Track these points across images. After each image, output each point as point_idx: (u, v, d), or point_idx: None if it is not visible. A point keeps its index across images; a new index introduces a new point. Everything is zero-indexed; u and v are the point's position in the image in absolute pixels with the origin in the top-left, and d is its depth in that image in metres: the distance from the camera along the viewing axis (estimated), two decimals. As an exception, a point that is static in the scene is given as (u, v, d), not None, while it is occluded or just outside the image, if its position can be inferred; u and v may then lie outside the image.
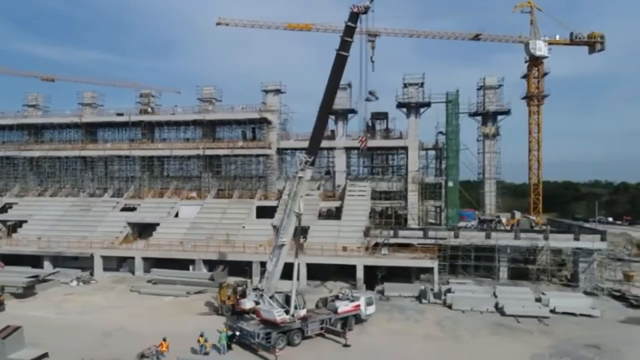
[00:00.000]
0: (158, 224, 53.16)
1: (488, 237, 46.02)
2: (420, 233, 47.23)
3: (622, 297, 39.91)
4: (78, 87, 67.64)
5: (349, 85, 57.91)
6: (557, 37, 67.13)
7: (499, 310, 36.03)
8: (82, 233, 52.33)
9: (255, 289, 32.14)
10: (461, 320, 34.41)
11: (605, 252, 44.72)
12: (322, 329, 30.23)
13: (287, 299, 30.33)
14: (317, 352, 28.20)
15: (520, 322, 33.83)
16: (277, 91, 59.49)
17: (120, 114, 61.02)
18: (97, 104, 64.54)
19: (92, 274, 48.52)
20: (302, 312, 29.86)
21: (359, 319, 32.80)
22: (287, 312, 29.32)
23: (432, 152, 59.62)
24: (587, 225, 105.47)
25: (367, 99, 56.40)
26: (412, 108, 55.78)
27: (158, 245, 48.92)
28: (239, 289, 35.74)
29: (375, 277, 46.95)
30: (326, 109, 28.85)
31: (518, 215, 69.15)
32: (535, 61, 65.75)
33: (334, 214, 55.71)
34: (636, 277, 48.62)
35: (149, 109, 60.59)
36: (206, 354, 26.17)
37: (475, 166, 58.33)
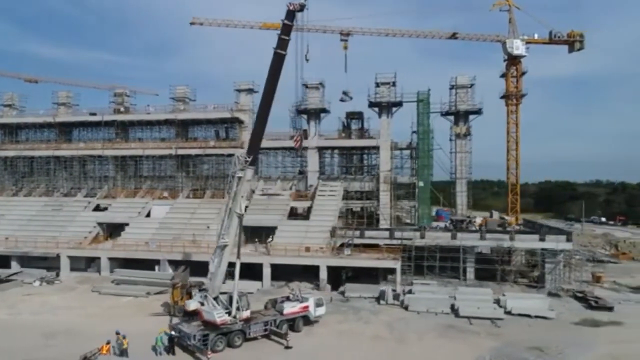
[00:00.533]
0: (127, 224, 53.01)
1: (454, 237, 45.66)
2: (387, 233, 46.92)
3: (584, 299, 39.46)
4: (61, 88, 67.32)
5: (321, 84, 57.71)
6: (536, 36, 66.55)
7: (455, 311, 35.68)
8: (51, 233, 52.20)
9: (201, 290, 31.85)
10: (413, 321, 34.07)
11: (571, 253, 44.15)
12: (266, 330, 29.95)
13: (242, 300, 30.07)
14: (256, 353, 27.93)
15: (472, 323, 33.49)
16: (250, 90, 59.21)
17: (94, 114, 60.84)
18: (72, 104, 64.42)
19: (58, 275, 48.43)
20: (245, 314, 29.60)
21: (308, 321, 32.50)
22: (229, 313, 29.08)
23: (407, 152, 59.03)
24: (576, 225, 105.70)
25: (342, 99, 56.56)
26: (384, 107, 55.39)
27: (124, 246, 48.74)
28: (192, 289, 35.47)
29: (341, 277, 46.81)
30: (266, 108, 28.49)
31: (496, 215, 68.89)
32: (513, 60, 65.27)
33: (307, 214, 55.43)
34: (605, 278, 48.25)
35: (122, 109, 60.35)
36: (122, 353, 25.69)
37: (449, 166, 57.91)
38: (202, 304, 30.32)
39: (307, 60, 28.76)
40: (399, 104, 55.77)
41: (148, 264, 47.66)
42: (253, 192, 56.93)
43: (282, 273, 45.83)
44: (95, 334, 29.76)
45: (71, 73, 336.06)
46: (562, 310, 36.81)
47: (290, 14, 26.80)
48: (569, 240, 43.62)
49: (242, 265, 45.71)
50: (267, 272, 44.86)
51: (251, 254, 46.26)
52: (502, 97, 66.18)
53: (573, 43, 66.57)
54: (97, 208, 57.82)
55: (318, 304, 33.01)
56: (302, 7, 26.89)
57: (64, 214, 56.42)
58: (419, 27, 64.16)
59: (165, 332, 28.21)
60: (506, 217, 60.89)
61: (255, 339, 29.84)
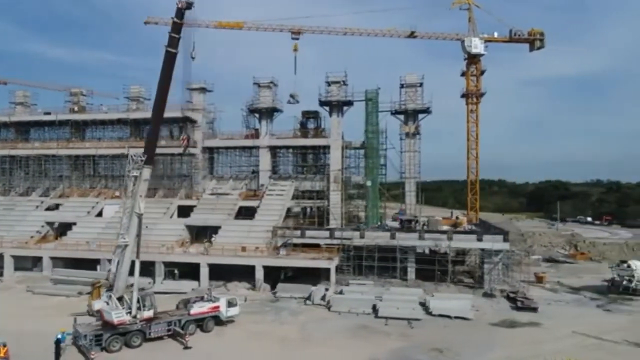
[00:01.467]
0: (75, 224, 52.99)
1: (392, 237, 45.33)
2: (327, 233, 46.63)
3: (515, 299, 39.06)
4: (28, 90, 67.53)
5: (273, 83, 57.49)
6: (496, 35, 66.15)
7: (375, 312, 35.39)
8: (-1, 232, 52.25)
9: (108, 290, 31.64)
10: (330, 322, 33.83)
11: (509, 254, 43.72)
12: (169, 330, 29.75)
13: (140, 300, 29.84)
14: (153, 354, 27.75)
15: (388, 324, 33.20)
16: (203, 89, 59.07)
17: (48, 113, 60.88)
18: (30, 104, 64.52)
19: (2, 274, 48.44)
20: (147, 314, 29.38)
21: (219, 321, 32.29)
22: (130, 313, 28.90)
23: (362, 152, 58.61)
24: (558, 225, 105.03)
25: (289, 102, 56.54)
26: (335, 106, 55.11)
27: (67, 245, 48.73)
28: (100, 287, 35.31)
29: (286, 277, 46.59)
30: (160, 106, 28.33)
31: (461, 215, 68.49)
32: (473, 59, 64.90)
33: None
34: (548, 279, 47.87)
35: (76, 108, 60.33)
36: None
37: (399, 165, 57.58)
38: (108, 304, 30.15)
39: (192, 58, 28.54)
40: (349, 103, 55.50)
41: (92, 264, 47.63)
42: (204, 191, 56.94)
43: (225, 273, 45.71)
44: (5, 334, 29.61)
45: (76, 74, 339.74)
46: (488, 311, 36.54)
47: (179, 12, 26.66)
48: (505, 240, 43.16)
49: (185, 265, 46.36)
50: (204, 271, 44.69)
51: (190, 254, 46.19)
52: (462, 96, 65.95)
53: (533, 41, 66.17)
54: (50, 207, 57.81)
55: (231, 304, 32.80)
56: (189, 5, 26.72)
57: (15, 213, 56.47)
58: (378, 26, 63.18)
59: (67, 333, 28.05)
60: (460, 217, 60.60)
61: (160, 338, 29.68)
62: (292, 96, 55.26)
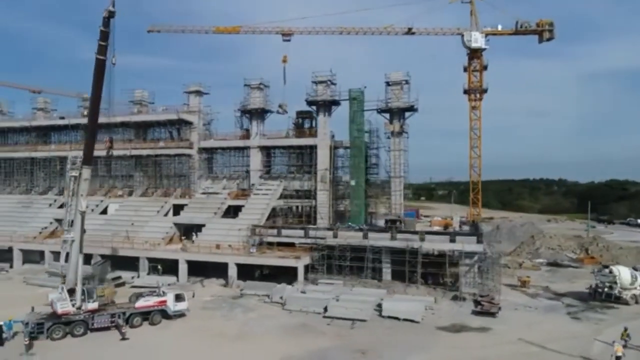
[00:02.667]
0: (78, 220, 56.65)
1: (365, 237, 44.87)
2: (302, 232, 46.91)
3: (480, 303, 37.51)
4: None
5: (263, 85, 58.46)
6: (500, 27, 63.64)
7: (325, 311, 35.35)
8: (13, 227, 56.97)
9: (62, 282, 33.78)
10: (275, 319, 34.20)
11: (482, 256, 41.87)
12: (112, 322, 31.37)
13: (85, 292, 31.75)
14: (90, 343, 29.36)
15: (330, 324, 33.12)
16: (199, 92, 61.14)
17: (62, 118, 65.55)
18: (50, 109, 69.70)
19: (11, 266, 52.85)
20: (91, 306, 31.21)
21: (167, 315, 33.60)
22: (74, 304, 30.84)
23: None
24: (599, 227, 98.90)
25: (277, 112, 57.41)
26: (322, 106, 55.20)
27: (54, 240, 52.36)
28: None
29: (263, 275, 47.55)
30: (94, 111, 29.95)
31: (459, 216, 66.41)
32: (474, 53, 62.82)
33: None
34: (532, 283, 45.51)
35: (85, 112, 64.46)
36: None
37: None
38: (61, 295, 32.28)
39: (113, 64, 29.75)
40: (336, 103, 55.38)
41: (87, 258, 50.80)
42: (188, 190, 59.09)
43: (203, 269, 47.31)
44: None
45: (139, 80, 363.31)
46: (444, 315, 35.44)
47: (105, 21, 28.13)
48: (479, 242, 41.46)
49: (169, 261, 48.27)
50: (183, 267, 46.51)
51: (170, 250, 48.17)
52: (464, 92, 63.95)
53: (542, 32, 62.98)
54: (62, 205, 62.09)
55: (178, 299, 34.04)
56: (111, 14, 28.11)
57: (30, 210, 61.35)
58: (374, 24, 62.41)
59: (15, 320, 30.36)
60: (461, 218, 58.74)
61: (107, 329, 31.37)
62: (280, 106, 56.15)
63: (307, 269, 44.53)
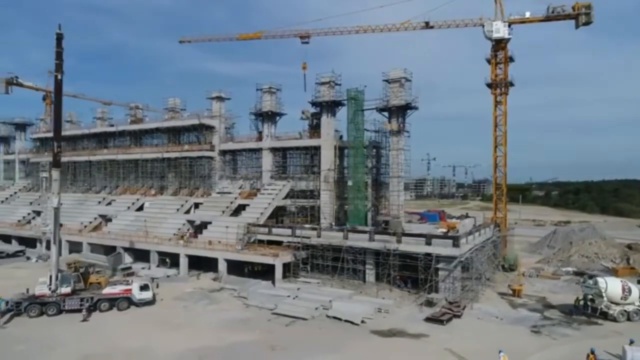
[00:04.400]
0: (115, 217, 63.82)
1: (345, 237, 44.73)
2: (289, 231, 48.04)
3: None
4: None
5: (273, 88, 60.53)
6: (528, 14, 58.58)
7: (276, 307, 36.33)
8: (65, 221, 65.62)
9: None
10: (226, 313, 36.05)
11: (459, 260, 39.42)
12: (81, 305, 35.49)
13: (61, 278, 36.35)
14: (56, 320, 33.80)
15: (270, 320, 34.12)
16: (220, 98, 65.06)
17: (112, 125, 73.93)
18: (107, 117, 78.84)
19: (60, 254, 61.12)
20: (65, 290, 35.70)
21: (132, 302, 37.06)
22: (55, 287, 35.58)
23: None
24: None
25: (301, 118, 59.20)
26: (325, 107, 55.71)
27: (99, 234, 59.34)
28: (81, 269, 42.93)
29: (255, 272, 49.67)
30: (57, 121, 34.03)
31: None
32: (498, 44, 58.70)
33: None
34: (536, 292, 41.87)
35: (129, 120, 72.00)
36: None
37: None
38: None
39: (60, 80, 33.14)
40: (339, 104, 55.52)
41: (111, 250, 57.07)
42: (209, 190, 63.02)
43: (204, 263, 50.65)
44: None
45: (240, 85, 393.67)
46: (394, 319, 34.42)
47: (57, 40, 32.04)
48: (455, 246, 39.17)
49: (174, 254, 52.50)
50: (183, 261, 50.24)
51: (173, 245, 52.26)
52: (487, 85, 60.03)
53: (578, 17, 56.82)
54: (110, 203, 70.20)
55: (142, 288, 37.35)
56: (61, 35, 31.88)
57: (83, 207, 70.15)
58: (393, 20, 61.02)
59: (2, 299, 35.69)
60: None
61: (79, 311, 35.52)
62: (303, 112, 57.73)
63: (289, 267, 45.66)
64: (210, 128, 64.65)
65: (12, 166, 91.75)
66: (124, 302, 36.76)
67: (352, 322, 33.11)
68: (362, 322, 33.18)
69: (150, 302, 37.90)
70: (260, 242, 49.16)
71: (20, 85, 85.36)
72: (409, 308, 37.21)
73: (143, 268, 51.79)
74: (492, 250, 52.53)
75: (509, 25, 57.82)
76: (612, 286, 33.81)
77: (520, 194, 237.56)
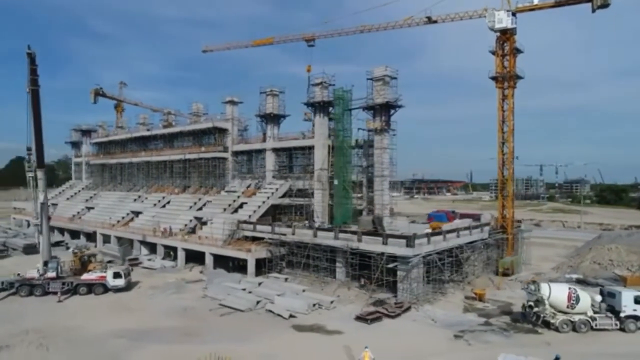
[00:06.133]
0: (142, 213, 70.39)
1: (315, 235, 45.54)
2: (269, 228, 49.92)
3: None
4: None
5: (275, 90, 62.77)
6: (536, 1, 54.59)
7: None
8: (104, 217, 73.85)
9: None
10: (180, 302, 38.80)
11: (416, 260, 38.38)
12: (62, 289, 40.52)
13: (47, 264, 41.78)
14: (38, 301, 38.85)
15: (212, 310, 36.33)
16: (233, 102, 68.76)
17: (149, 130, 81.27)
18: (148, 123, 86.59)
19: (95, 246, 69.04)
20: (50, 274, 41.01)
21: (107, 288, 41.43)
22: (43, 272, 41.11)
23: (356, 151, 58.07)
24: None
25: (304, 119, 61.20)
26: (318, 107, 56.73)
27: (125, 228, 66.01)
28: (84, 257, 48.70)
29: (240, 266, 52.19)
30: (38, 130, 38.99)
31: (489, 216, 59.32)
32: (504, 35, 55.59)
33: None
34: (499, 297, 39.55)
35: (160, 125, 78.58)
36: None
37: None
38: (44, 265, 43.10)
39: (27, 92, 37.63)
40: (331, 104, 56.15)
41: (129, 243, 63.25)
42: (222, 189, 66.79)
43: (201, 257, 54.43)
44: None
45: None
46: (324, 315, 34.92)
47: (31, 58, 36.93)
48: (409, 246, 38.30)
49: (174, 248, 56.95)
50: (181, 254, 54.40)
51: (172, 239, 56.65)
52: (491, 78, 57.05)
53: (592, -1, 51.88)
54: (143, 201, 77.27)
55: (116, 276, 41.57)
56: (30, 55, 36.68)
57: (121, 204, 78.00)
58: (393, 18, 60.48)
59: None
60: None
61: (64, 293, 40.63)
62: (305, 114, 59.47)
63: (265, 263, 47.60)
64: (223, 130, 68.63)
65: (81, 168, 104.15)
66: (100, 287, 41.24)
67: (281, 316, 34.26)
68: (291, 316, 34.17)
69: (124, 288, 42.03)
70: (248, 238, 51.71)
71: (104, 95, 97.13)
72: (353, 306, 37.19)
73: (149, 260, 56.79)
74: (485, 252, 50.06)
75: (514, 15, 54.46)
76: (556, 293, 31.16)
77: (616, 195, 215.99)
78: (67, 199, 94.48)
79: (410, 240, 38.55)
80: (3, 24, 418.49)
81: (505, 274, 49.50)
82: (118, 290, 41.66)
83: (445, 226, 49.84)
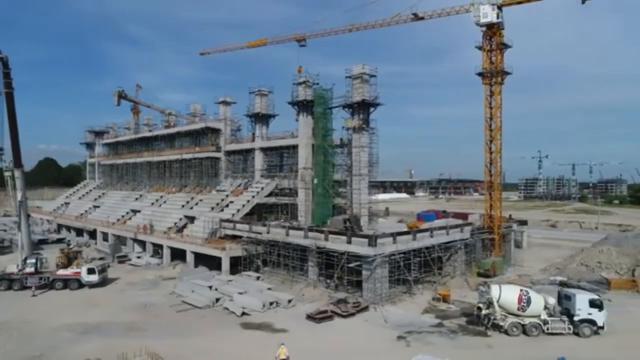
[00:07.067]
0: (140, 211, 72.22)
1: (287, 234, 45.60)
2: (247, 227, 50.30)
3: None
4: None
5: (264, 91, 63.20)
6: (523, -7, 52.89)
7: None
8: (106, 215, 76.18)
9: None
10: (145, 297, 39.68)
11: (380, 260, 37.83)
12: (40, 283, 42.07)
13: (25, 260, 43.50)
14: (16, 294, 40.53)
15: (172, 306, 36.87)
16: (226, 102, 69.65)
17: (150, 130, 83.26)
18: (152, 124, 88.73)
19: (96, 243, 71.31)
20: (29, 270, 42.63)
21: (82, 284, 42.74)
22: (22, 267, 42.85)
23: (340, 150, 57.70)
24: None
25: (296, 119, 61.21)
26: (301, 106, 56.73)
27: (119, 225, 67.91)
28: (71, 254, 50.47)
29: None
30: (14, 130, 40.56)
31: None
32: (490, 30, 54.20)
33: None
34: (458, 297, 38.53)
35: (161, 125, 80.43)
36: None
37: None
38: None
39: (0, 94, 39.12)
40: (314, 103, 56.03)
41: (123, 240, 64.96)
42: (215, 188, 67.70)
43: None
44: None
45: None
46: (279, 314, 34.98)
47: (3, 62, 38.52)
48: (371, 245, 37.81)
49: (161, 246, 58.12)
50: (166, 252, 55.51)
51: (157, 237, 57.89)
52: (477, 74, 55.67)
53: (580, -10, 49.96)
54: (142, 200, 79.23)
55: (90, 272, 42.81)
56: (2, 59, 38.23)
57: (123, 202, 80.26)
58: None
59: None
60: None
61: (41, 287, 42.15)
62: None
63: (240, 261, 48.01)
64: (217, 131, 69.61)
65: (95, 168, 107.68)
66: (75, 282, 42.60)
67: (235, 314, 34.53)
68: (244, 314, 34.43)
69: (99, 284, 43.26)
70: (229, 236, 52.30)
71: (126, 98, 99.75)
72: (313, 305, 36.99)
73: (138, 257, 58.19)
74: (466, 253, 48.81)
75: (500, 8, 52.97)
76: (506, 295, 30.14)
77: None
78: (79, 198, 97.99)
79: (372, 239, 38.07)
80: (47, 30, 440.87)
81: (486, 275, 48.09)
82: (93, 285, 42.92)
83: (424, 226, 49.05)
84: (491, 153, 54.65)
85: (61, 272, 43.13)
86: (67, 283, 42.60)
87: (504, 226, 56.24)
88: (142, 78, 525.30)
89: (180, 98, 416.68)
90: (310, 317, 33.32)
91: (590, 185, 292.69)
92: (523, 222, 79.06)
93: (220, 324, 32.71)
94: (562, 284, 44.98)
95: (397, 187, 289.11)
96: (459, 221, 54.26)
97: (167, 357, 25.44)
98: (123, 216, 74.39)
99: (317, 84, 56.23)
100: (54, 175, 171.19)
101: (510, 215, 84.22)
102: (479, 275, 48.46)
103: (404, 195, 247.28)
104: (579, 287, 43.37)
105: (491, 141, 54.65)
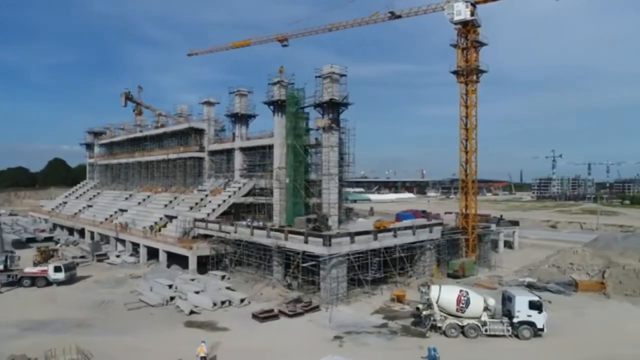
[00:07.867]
0: (126, 211, 73.28)
1: (252, 234, 45.77)
2: (217, 227, 50.62)
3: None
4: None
5: (244, 91, 63.47)
6: (498, -10, 52.11)
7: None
8: (97, 213, 77.50)
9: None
10: (107, 295, 40.30)
11: (335, 260, 37.68)
12: (7, 280, 43.02)
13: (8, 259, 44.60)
14: (-18, 292, 41.77)
15: (126, 304, 37.39)
16: (209, 103, 70.18)
17: (141, 131, 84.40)
18: (144, 125, 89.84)
19: (84, 242, 72.61)
20: (-2, 268, 43.78)
21: (49, 282, 43.55)
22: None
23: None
24: None
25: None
26: (277, 106, 56.79)
27: (106, 224, 69.03)
28: (47, 253, 51.59)
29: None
30: None
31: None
32: (464, 28, 53.53)
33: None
34: (408, 298, 38.11)
35: (156, 125, 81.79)
36: None
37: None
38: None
39: None
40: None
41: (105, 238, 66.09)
42: (195, 189, 68.27)
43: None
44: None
45: (374, 87, 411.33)
46: (228, 313, 35.14)
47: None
48: (325, 244, 37.69)
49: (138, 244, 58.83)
50: (143, 251, 56.26)
51: (134, 235, 58.66)
52: (452, 72, 55.00)
53: (553, -15, 49.03)
54: (130, 199, 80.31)
55: (56, 270, 43.62)
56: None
57: (114, 203, 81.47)
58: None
59: None
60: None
61: (9, 284, 43.03)
62: None
63: (208, 260, 48.35)
64: (201, 131, 70.21)
65: (94, 168, 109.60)
66: (42, 280, 43.43)
67: (184, 312, 34.82)
68: (192, 312, 34.76)
69: (66, 281, 44.05)
70: (202, 235, 52.71)
71: (132, 99, 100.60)
72: (266, 305, 37.02)
73: (117, 256, 58.99)
74: (432, 253, 48.15)
75: (474, 6, 52.27)
76: (445, 295, 29.75)
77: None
78: (76, 198, 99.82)
79: (326, 239, 37.96)
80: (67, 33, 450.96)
81: (455, 276, 47.47)
82: (61, 283, 43.74)
83: (391, 225, 48.64)
84: (466, 152, 54.06)
85: (28, 269, 44.04)
86: (34, 281, 43.46)
87: (480, 226, 55.40)
88: (159, 79, 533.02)
89: (196, 99, 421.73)
90: (255, 316, 33.42)
91: (607, 185, 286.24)
92: (514, 223, 78.07)
93: (165, 322, 33.03)
94: (530, 286, 44.14)
95: (409, 187, 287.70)
96: (427, 221, 53.55)
97: (97, 354, 25.93)
98: (111, 215, 75.48)
99: (292, 83, 56.20)
100: (63, 176, 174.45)
101: (501, 216, 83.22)
102: (449, 275, 47.89)
103: (410, 195, 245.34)
104: (546, 289, 42.83)
105: (466, 140, 54.05)
